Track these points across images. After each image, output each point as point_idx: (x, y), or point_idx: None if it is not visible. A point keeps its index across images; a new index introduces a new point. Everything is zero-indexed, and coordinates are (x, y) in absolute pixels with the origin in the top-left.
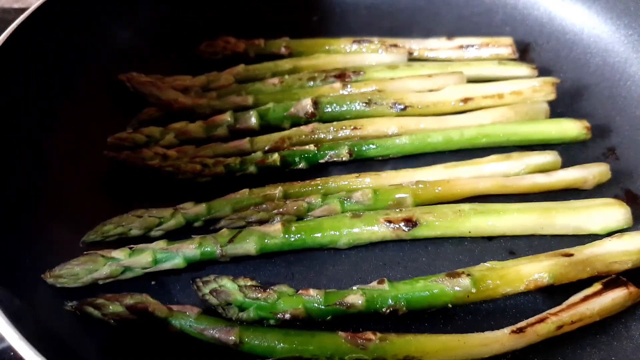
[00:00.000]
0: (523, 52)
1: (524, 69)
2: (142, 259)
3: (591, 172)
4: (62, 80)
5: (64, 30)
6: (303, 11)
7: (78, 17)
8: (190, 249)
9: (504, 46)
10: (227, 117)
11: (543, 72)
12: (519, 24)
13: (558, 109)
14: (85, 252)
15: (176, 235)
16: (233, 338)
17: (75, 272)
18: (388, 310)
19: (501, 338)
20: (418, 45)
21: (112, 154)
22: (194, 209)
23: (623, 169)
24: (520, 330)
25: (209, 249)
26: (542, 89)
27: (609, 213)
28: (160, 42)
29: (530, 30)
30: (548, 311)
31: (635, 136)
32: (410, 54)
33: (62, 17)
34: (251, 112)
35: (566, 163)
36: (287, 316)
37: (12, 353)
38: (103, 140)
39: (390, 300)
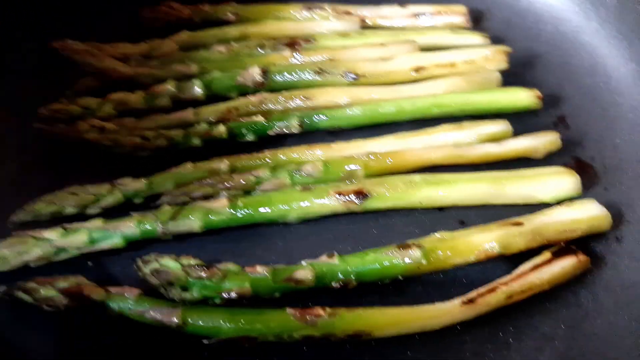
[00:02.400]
0: (476, 21)
1: (476, 38)
2: (77, 238)
3: (542, 141)
4: None
5: None
6: None
7: None
8: (129, 227)
9: (457, 14)
10: (170, 86)
11: (496, 41)
12: None
13: (510, 78)
14: (14, 233)
15: (115, 213)
16: (176, 320)
17: (4, 254)
18: (338, 285)
19: (452, 309)
20: (371, 13)
21: (44, 126)
22: (133, 185)
23: (573, 137)
24: (471, 300)
25: (149, 227)
26: (494, 58)
27: (559, 182)
28: (97, 6)
29: None
30: (498, 280)
31: (585, 105)
32: (363, 21)
33: None
34: (195, 81)
35: (517, 132)
36: (233, 295)
37: None
38: (35, 112)
39: (340, 274)
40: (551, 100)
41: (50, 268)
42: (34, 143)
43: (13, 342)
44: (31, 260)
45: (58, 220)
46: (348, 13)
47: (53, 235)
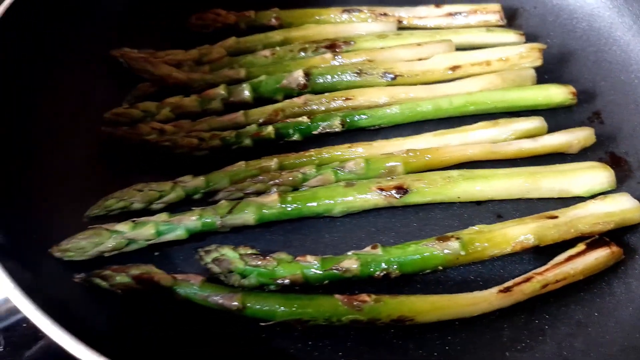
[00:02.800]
0: (511, 18)
1: (511, 36)
2: (145, 231)
3: (576, 137)
4: (57, 57)
5: (57, 5)
6: None
7: None
8: (191, 221)
9: (492, 13)
10: (221, 90)
11: (530, 37)
12: None
13: (545, 74)
14: (89, 227)
15: (176, 208)
16: (236, 303)
17: (82, 245)
18: (381, 274)
19: (489, 297)
20: (407, 14)
21: (109, 130)
22: (193, 182)
23: (608, 132)
24: (507, 289)
25: (209, 220)
26: (528, 56)
27: (593, 176)
28: (152, 16)
29: None
30: (534, 271)
31: (620, 100)
32: (400, 22)
33: None
34: (244, 85)
35: (552, 128)
36: (287, 282)
37: (24, 325)
38: (100, 116)
39: (383, 264)
40: (586, 96)
41: (121, 258)
42: (101, 145)
43: (87, 320)
44: (105, 250)
45: (126, 214)
46: (385, 15)
47: (124, 228)
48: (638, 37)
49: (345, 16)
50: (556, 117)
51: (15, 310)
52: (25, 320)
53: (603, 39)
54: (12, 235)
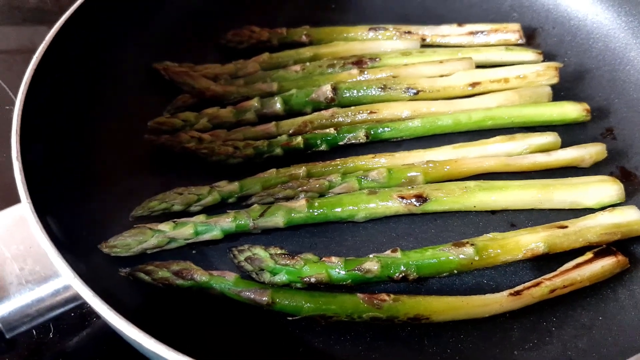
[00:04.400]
0: (530, 38)
1: (529, 54)
2: (185, 231)
3: (588, 152)
4: (109, 68)
5: (108, 24)
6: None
7: (120, 11)
8: (226, 222)
9: (511, 32)
10: (255, 103)
11: (548, 56)
12: (526, 9)
13: (561, 91)
14: (134, 226)
15: (212, 210)
16: (266, 299)
17: (127, 242)
18: (400, 276)
19: (500, 299)
20: (430, 32)
21: (152, 137)
22: (228, 187)
23: (619, 148)
24: (518, 293)
25: (242, 222)
26: (545, 74)
27: (603, 189)
28: (191, 31)
29: (537, 16)
30: (543, 277)
31: (632, 117)
32: (423, 40)
33: (105, 13)
34: (276, 98)
35: (567, 142)
36: (313, 280)
37: (72, 314)
38: (143, 124)
39: (402, 266)
40: (599, 113)
41: (162, 255)
42: (146, 151)
43: (132, 307)
44: (148, 247)
45: (167, 215)
46: (410, 33)
47: (166, 227)
48: None
49: (371, 34)
50: (571, 132)
51: (70, 299)
52: (73, 310)
53: (618, 59)
54: (67, 230)
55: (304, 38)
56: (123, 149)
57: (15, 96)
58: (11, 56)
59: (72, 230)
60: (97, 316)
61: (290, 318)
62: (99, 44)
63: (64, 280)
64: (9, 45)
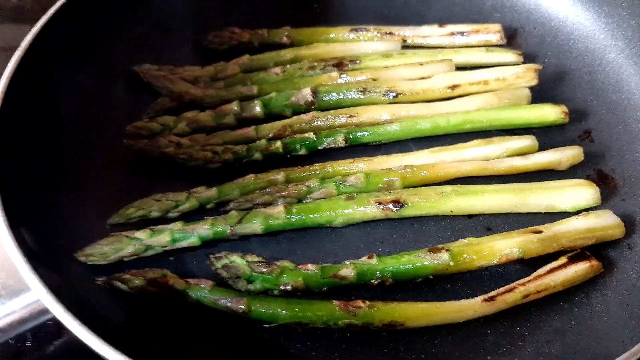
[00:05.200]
0: (511, 38)
1: (510, 55)
2: (162, 238)
3: (565, 155)
4: (85, 71)
5: (87, 25)
6: None
7: (99, 12)
8: (204, 229)
9: (492, 32)
10: (234, 106)
11: (528, 56)
12: (508, 10)
13: (541, 92)
14: (111, 234)
15: (191, 216)
16: (242, 307)
17: (104, 251)
18: (376, 282)
19: (474, 305)
20: (412, 33)
21: (131, 142)
22: (206, 193)
23: (597, 150)
24: (491, 298)
25: (220, 229)
26: (525, 76)
27: (579, 193)
28: (171, 33)
29: (518, 16)
30: (517, 282)
31: (610, 119)
32: (404, 41)
33: (84, 14)
34: (256, 102)
35: (545, 144)
36: (289, 288)
37: (49, 322)
38: (121, 128)
39: (378, 272)
40: (578, 115)
41: (139, 262)
42: (123, 156)
43: (109, 317)
44: (125, 255)
45: (145, 222)
46: (391, 34)
47: (142, 235)
48: (630, 60)
49: (352, 35)
50: (549, 134)
51: (44, 311)
52: (51, 318)
53: (597, 60)
54: (42, 240)
55: (285, 39)
56: (100, 154)
57: None
58: None
59: (48, 239)
60: None
61: (267, 325)
62: (77, 46)
63: (36, 295)
64: None
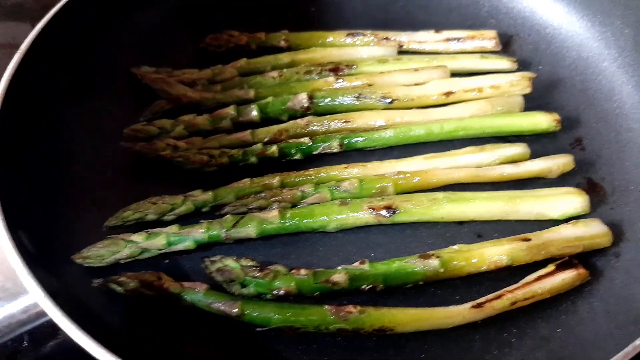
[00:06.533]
0: (506, 44)
1: (504, 62)
2: (157, 241)
3: (556, 163)
4: (84, 74)
5: (87, 28)
6: (302, 2)
7: (98, 13)
8: (199, 233)
9: (488, 39)
10: (231, 110)
11: (523, 63)
12: (503, 16)
13: (534, 99)
14: (108, 236)
15: (186, 219)
16: (236, 310)
17: (101, 253)
18: (367, 287)
19: (463, 312)
20: (408, 38)
21: (128, 145)
22: (202, 196)
23: (587, 158)
24: (480, 305)
25: (215, 233)
26: (519, 84)
27: (569, 201)
28: (169, 35)
29: (514, 23)
30: (505, 289)
31: (601, 128)
32: (400, 46)
33: (85, 16)
34: (252, 106)
35: (537, 152)
36: (282, 292)
37: (45, 324)
38: (118, 130)
39: (369, 278)
40: (570, 122)
41: (135, 264)
42: (120, 159)
43: (105, 320)
44: (121, 258)
45: (141, 225)
46: (387, 39)
47: (138, 238)
48: (622, 69)
49: (349, 40)
50: (541, 142)
51: (42, 314)
52: (48, 320)
53: (590, 69)
54: (39, 243)
55: (282, 43)
56: (98, 157)
57: None
58: None
59: (45, 241)
60: None
61: (260, 329)
62: (75, 49)
63: (34, 298)
64: None
